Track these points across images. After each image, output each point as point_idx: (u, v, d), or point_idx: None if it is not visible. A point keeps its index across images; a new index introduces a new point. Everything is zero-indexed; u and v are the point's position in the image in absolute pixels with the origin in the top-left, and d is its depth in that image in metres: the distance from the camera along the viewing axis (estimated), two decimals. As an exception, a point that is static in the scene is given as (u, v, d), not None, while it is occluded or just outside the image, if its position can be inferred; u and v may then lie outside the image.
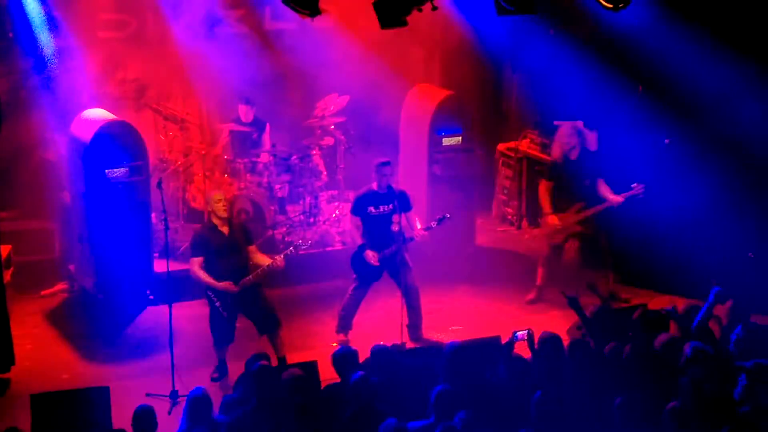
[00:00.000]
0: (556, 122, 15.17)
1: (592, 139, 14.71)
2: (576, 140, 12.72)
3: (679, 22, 12.65)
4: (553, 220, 12.73)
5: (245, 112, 14.19)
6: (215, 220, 10.94)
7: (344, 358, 9.21)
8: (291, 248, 11.04)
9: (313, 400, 8.74)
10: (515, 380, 8.91)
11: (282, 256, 10.94)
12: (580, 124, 14.55)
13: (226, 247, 10.88)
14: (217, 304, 10.84)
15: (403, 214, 11.77)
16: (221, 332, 10.97)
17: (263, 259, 11.03)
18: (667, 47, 12.86)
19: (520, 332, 9.45)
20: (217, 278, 10.81)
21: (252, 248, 11.10)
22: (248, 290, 10.88)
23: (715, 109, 12.89)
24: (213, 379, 10.95)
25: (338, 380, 9.19)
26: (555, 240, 12.84)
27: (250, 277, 10.87)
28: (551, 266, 12.96)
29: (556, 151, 13.09)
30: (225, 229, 10.94)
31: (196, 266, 10.85)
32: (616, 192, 12.60)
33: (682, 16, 12.62)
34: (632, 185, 12.52)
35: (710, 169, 12.90)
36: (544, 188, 12.87)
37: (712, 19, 12.67)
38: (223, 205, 10.96)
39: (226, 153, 14.19)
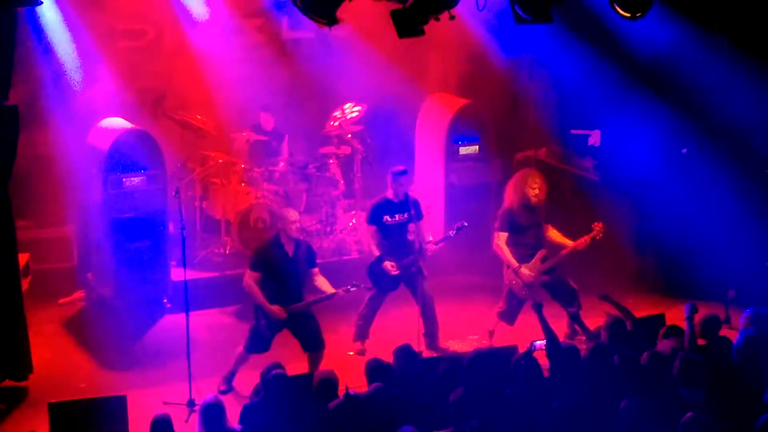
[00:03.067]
0: (573, 131, 15.19)
1: (595, 137, 14.68)
2: (545, 185, 11.94)
3: (698, 31, 12.62)
4: (527, 272, 11.75)
5: (266, 120, 14.23)
6: (283, 239, 10.89)
7: (378, 371, 9.16)
8: (351, 286, 11.02)
9: (333, 408, 8.75)
10: (533, 390, 8.89)
11: (342, 291, 10.92)
12: (597, 133, 14.59)
13: (287, 267, 10.84)
14: (263, 322, 10.83)
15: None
16: (257, 343, 10.95)
17: (325, 284, 10.99)
18: (687, 56, 12.83)
19: (539, 342, 9.42)
20: (270, 297, 10.77)
21: (314, 270, 11.03)
22: (297, 312, 10.88)
23: (732, 116, 12.86)
24: (221, 392, 10.90)
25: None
26: (523, 294, 11.85)
27: (302, 304, 10.85)
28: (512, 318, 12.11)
29: (515, 198, 11.86)
30: (290, 249, 10.88)
31: (251, 280, 10.81)
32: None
33: (701, 25, 12.59)
34: (593, 225, 11.79)
35: (729, 177, 12.86)
36: (501, 242, 11.83)
37: (731, 26, 12.64)
38: (297, 227, 10.90)
39: (241, 161, 14.20)
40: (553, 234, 12.05)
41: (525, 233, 11.86)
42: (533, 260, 11.79)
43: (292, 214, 10.96)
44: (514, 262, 11.79)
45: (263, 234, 12.76)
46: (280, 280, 10.83)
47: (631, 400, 8.55)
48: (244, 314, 12.81)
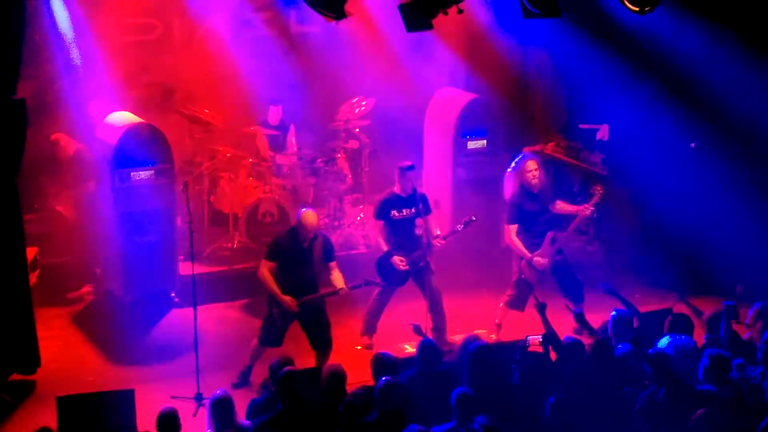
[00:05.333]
0: (581, 125, 15.17)
1: (603, 131, 14.68)
2: (542, 173, 12.02)
3: (706, 26, 12.60)
4: (540, 261, 11.83)
5: (274, 114, 14.22)
6: (300, 231, 10.89)
7: (383, 365, 9.17)
8: (361, 282, 11.02)
9: (340, 402, 8.75)
10: (529, 384, 8.89)
11: (348, 288, 10.91)
12: (605, 128, 14.58)
13: (299, 258, 10.86)
14: (275, 311, 10.86)
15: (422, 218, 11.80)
16: (270, 335, 11.00)
17: (338, 279, 10.97)
18: (694, 51, 12.81)
19: (532, 336, 9.47)
20: (284, 287, 10.81)
21: (332, 264, 11.03)
22: (310, 305, 10.91)
23: (743, 112, 12.84)
24: (233, 386, 10.93)
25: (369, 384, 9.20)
26: (535, 282, 11.94)
27: (311, 297, 10.87)
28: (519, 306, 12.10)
29: (514, 187, 11.90)
30: (305, 242, 10.90)
31: (265, 269, 10.84)
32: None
33: (709, 20, 12.56)
34: (591, 190, 12.02)
35: (736, 172, 12.84)
36: (513, 234, 11.88)
37: (739, 22, 12.61)
38: (312, 229, 10.84)
39: (247, 152, 14.20)
40: (561, 206, 12.12)
41: (533, 221, 11.92)
42: (543, 245, 11.84)
43: (312, 220, 10.82)
44: (527, 253, 11.85)
45: (271, 228, 12.76)
46: (293, 271, 10.87)
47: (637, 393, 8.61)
48: (252, 309, 12.84)
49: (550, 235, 11.88)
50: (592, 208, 11.98)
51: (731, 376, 8.75)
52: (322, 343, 11.03)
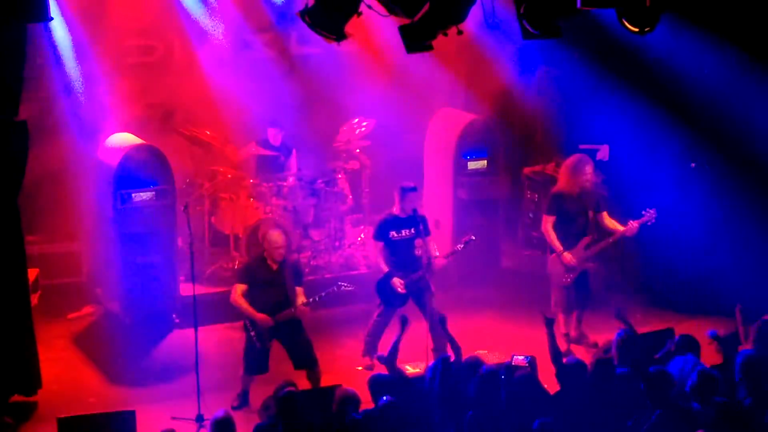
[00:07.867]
0: (581, 146, 15.18)
1: (604, 152, 14.72)
2: (594, 176, 12.32)
3: (707, 44, 12.63)
4: (569, 257, 12.04)
5: (274, 136, 14.24)
6: (267, 257, 10.98)
7: (380, 385, 9.16)
8: (315, 298, 11.00)
9: (339, 424, 8.75)
10: (515, 405, 8.89)
11: (303, 304, 10.91)
12: (605, 148, 14.59)
13: (270, 280, 10.90)
14: (252, 333, 10.85)
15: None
16: (253, 361, 10.97)
17: (300, 302, 10.98)
18: (695, 70, 12.83)
19: (518, 357, 9.49)
20: (257, 308, 10.83)
21: (299, 290, 11.05)
22: (287, 324, 10.90)
23: (744, 131, 12.86)
24: (233, 408, 10.90)
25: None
26: (564, 281, 12.17)
27: (284, 313, 10.86)
28: (571, 306, 12.28)
29: (567, 184, 12.18)
30: (274, 265, 10.96)
31: (237, 293, 10.88)
32: (622, 221, 12.18)
33: (710, 38, 12.60)
34: (643, 211, 12.07)
35: (737, 192, 12.85)
36: (549, 225, 12.12)
37: (741, 38, 12.64)
38: (281, 253, 10.94)
39: (250, 176, 14.22)
40: (608, 221, 12.20)
41: (572, 221, 12.07)
42: (577, 247, 11.98)
43: (277, 239, 10.97)
44: (559, 246, 12.01)
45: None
46: (265, 291, 10.90)
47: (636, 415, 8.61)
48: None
49: (586, 239, 12.03)
50: (637, 227, 12.03)
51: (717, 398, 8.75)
52: (306, 361, 11.01)
